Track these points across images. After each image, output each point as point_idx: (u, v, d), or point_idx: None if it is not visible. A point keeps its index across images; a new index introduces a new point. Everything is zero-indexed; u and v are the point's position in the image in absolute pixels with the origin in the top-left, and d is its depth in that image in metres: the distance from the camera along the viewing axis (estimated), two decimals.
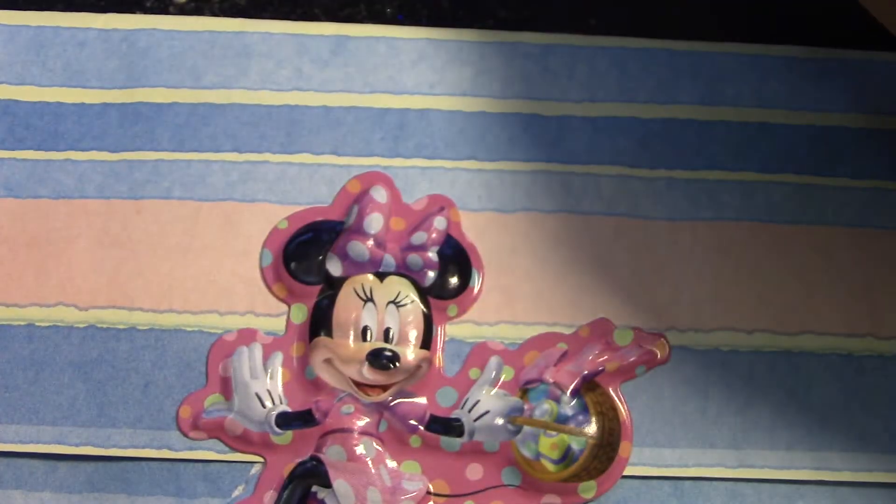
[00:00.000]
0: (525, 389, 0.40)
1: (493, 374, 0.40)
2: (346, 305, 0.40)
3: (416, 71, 0.43)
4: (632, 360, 0.40)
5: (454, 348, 0.40)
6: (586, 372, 0.40)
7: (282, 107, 0.42)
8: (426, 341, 0.40)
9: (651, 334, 0.40)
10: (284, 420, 0.39)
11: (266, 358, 0.40)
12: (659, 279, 0.41)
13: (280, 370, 0.40)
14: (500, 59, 0.43)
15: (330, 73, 0.43)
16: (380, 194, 0.41)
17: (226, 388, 0.40)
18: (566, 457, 0.39)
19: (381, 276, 0.40)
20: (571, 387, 0.39)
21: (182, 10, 0.45)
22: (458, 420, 0.39)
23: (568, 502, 0.39)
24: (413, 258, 0.40)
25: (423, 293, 0.40)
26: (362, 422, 0.39)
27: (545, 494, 0.39)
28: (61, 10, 0.44)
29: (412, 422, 0.39)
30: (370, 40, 0.43)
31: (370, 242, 0.40)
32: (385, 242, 0.40)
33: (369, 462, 0.39)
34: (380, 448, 0.39)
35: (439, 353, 0.40)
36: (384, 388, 0.39)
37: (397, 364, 0.39)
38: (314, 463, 0.39)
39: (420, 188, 0.42)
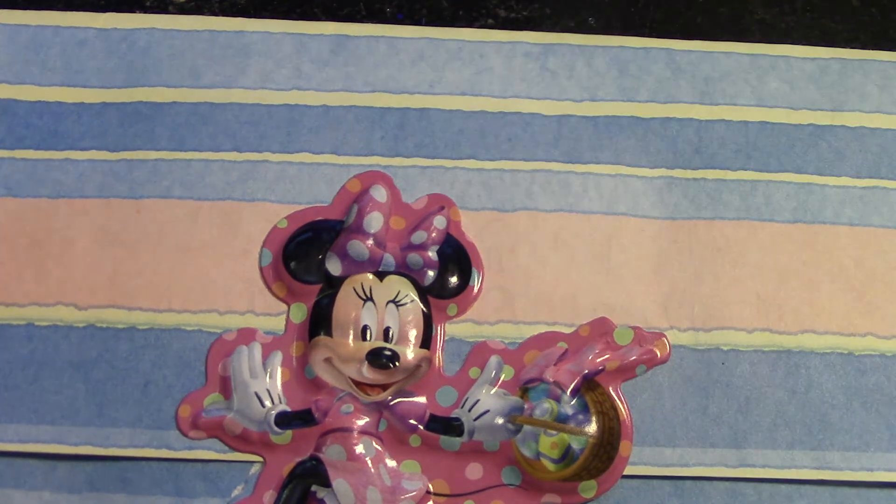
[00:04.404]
0: (525, 388, 0.40)
1: (493, 373, 0.40)
2: (345, 305, 0.40)
3: (416, 70, 0.43)
4: (632, 359, 0.40)
5: (454, 347, 0.40)
6: (586, 371, 0.40)
7: (281, 106, 0.42)
8: (426, 340, 0.40)
9: (651, 334, 0.40)
10: (284, 419, 0.39)
11: (265, 357, 0.40)
12: (659, 279, 0.41)
13: (279, 369, 0.40)
14: (500, 58, 0.43)
15: (330, 72, 0.43)
16: (379, 193, 0.41)
17: (225, 387, 0.39)
18: (566, 456, 0.39)
19: (380, 275, 0.40)
20: (571, 386, 0.39)
21: (182, 10, 0.45)
22: (457, 419, 0.39)
23: (568, 502, 0.39)
24: (413, 257, 0.40)
25: (423, 292, 0.40)
26: (362, 421, 0.39)
27: (545, 494, 0.39)
28: (61, 10, 0.44)
29: (412, 421, 0.39)
30: (370, 39, 0.43)
31: (370, 241, 0.40)
32: (385, 241, 0.40)
33: (369, 461, 0.39)
34: (379, 447, 0.39)
35: (439, 353, 0.40)
36: (384, 387, 0.39)
37: (397, 363, 0.39)
38: (314, 462, 0.39)
39: (420, 187, 0.42)
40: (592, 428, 0.39)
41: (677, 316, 0.41)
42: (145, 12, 0.45)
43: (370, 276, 0.40)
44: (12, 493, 0.39)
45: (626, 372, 0.40)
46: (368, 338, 0.39)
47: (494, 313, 0.41)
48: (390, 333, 0.40)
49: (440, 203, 0.41)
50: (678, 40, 0.44)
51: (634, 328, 0.40)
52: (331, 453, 0.39)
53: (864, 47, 0.45)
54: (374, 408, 0.39)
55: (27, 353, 0.40)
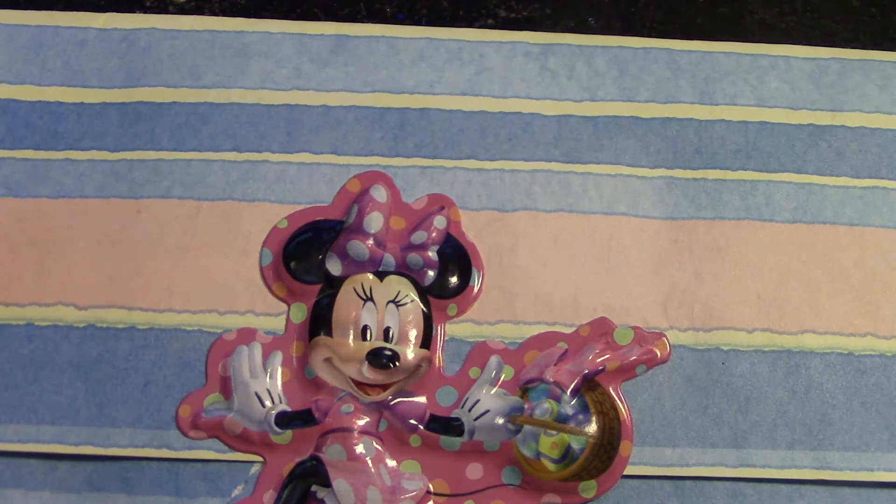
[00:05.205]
0: (525, 388, 0.40)
1: (494, 373, 0.40)
2: (345, 305, 0.40)
3: (416, 70, 0.43)
4: (632, 359, 0.40)
5: (454, 347, 0.40)
6: (587, 371, 0.40)
7: (281, 106, 0.42)
8: (426, 340, 0.40)
9: (651, 333, 0.40)
10: (284, 419, 0.39)
11: (266, 357, 0.40)
12: (659, 279, 0.41)
13: (280, 369, 0.40)
14: (500, 58, 0.43)
15: (330, 72, 0.43)
16: (380, 193, 0.41)
17: (225, 387, 0.39)
18: (566, 456, 0.39)
19: (380, 275, 0.40)
20: (572, 386, 0.39)
21: (182, 10, 0.45)
22: (457, 419, 0.39)
23: (568, 502, 0.39)
24: (413, 257, 0.40)
25: (423, 292, 0.40)
26: (362, 421, 0.39)
27: (545, 494, 0.39)
28: (61, 10, 0.44)
29: (412, 421, 0.39)
30: (370, 39, 0.43)
31: (370, 241, 0.40)
32: (385, 241, 0.40)
33: (369, 461, 0.39)
34: (380, 447, 0.39)
35: (439, 353, 0.40)
36: (384, 387, 0.39)
37: (397, 363, 0.39)
38: (314, 462, 0.39)
39: (420, 187, 0.42)
40: (592, 428, 0.39)
41: (677, 316, 0.41)
42: (145, 12, 0.45)
43: (370, 276, 0.40)
44: (12, 493, 0.39)
45: (626, 372, 0.40)
46: (368, 338, 0.39)
47: (494, 313, 0.41)
48: (390, 333, 0.40)
49: (440, 203, 0.41)
50: (678, 40, 0.44)
51: (634, 328, 0.40)
52: (331, 453, 0.39)
53: (864, 47, 0.45)
54: (374, 408, 0.39)
55: (27, 353, 0.40)
